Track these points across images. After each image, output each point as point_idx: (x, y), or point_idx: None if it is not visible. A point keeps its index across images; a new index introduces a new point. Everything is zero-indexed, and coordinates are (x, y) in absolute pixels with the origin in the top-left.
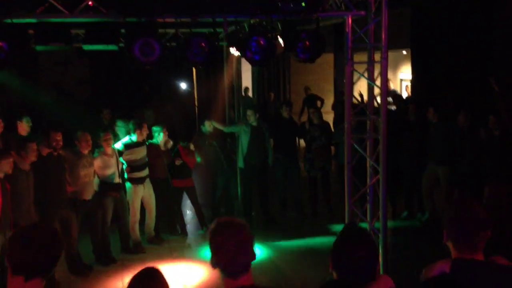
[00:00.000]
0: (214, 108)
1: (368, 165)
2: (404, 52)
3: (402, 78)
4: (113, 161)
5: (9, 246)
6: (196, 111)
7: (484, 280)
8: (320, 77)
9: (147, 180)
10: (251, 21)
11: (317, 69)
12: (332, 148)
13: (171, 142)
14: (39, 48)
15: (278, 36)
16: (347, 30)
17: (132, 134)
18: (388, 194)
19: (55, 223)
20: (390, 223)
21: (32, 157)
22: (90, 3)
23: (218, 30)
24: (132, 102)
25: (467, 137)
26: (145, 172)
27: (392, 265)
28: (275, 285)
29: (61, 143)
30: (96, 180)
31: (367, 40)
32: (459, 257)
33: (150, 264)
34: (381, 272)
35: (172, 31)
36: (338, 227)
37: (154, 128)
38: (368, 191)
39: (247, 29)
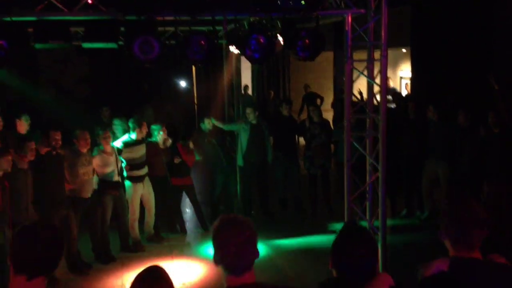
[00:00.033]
0: (213, 106)
1: (367, 163)
2: (404, 50)
3: (402, 76)
4: (112, 159)
5: (12, 245)
6: (196, 109)
7: (483, 278)
8: (319, 75)
9: (146, 178)
10: (251, 19)
11: (316, 67)
12: (332, 146)
13: (170, 141)
14: (38, 46)
15: (278, 34)
16: (346, 28)
17: (131, 132)
18: (387, 192)
19: (54, 222)
20: (389, 221)
21: (30, 156)
22: (89, 1)
23: (218, 28)
24: (132, 100)
25: (467, 135)
26: (144, 170)
27: (392, 263)
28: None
29: (60, 142)
30: (95, 178)
31: (367, 38)
32: (457, 256)
33: (150, 263)
34: (380, 270)
35: (171, 29)
36: (338, 226)
37: (153, 127)
38: (367, 189)
39: (246, 27)
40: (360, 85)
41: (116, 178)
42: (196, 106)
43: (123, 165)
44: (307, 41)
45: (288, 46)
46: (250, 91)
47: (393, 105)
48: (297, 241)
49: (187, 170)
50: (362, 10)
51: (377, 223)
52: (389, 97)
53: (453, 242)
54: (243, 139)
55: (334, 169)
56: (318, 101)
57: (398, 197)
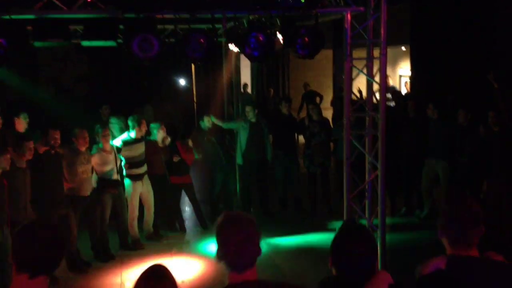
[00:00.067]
0: (213, 104)
1: (366, 161)
2: (403, 48)
3: (401, 74)
4: (111, 157)
5: (14, 244)
6: (195, 107)
7: (480, 276)
8: (319, 73)
9: (146, 176)
10: (250, 17)
11: (316, 65)
12: (331, 144)
13: (169, 139)
14: (37, 44)
15: (277, 32)
16: (346, 26)
17: (131, 130)
18: (387, 191)
19: (54, 221)
20: (388, 220)
21: (28, 156)
22: None
23: (217, 26)
24: (131, 99)
25: (467, 134)
26: (144, 168)
27: (391, 261)
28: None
29: (59, 141)
30: (94, 177)
31: (366, 36)
32: (454, 254)
33: (149, 261)
34: (379, 268)
35: (170, 27)
36: (337, 224)
37: (152, 125)
38: (366, 187)
39: (246, 25)
40: (360, 83)
41: (115, 176)
42: (195, 104)
43: (123, 163)
44: (306, 39)
45: (288, 44)
46: (249, 89)
47: (392, 104)
48: (296, 239)
49: (186, 168)
50: (362, 8)
51: (376, 221)
52: (389, 95)
53: (451, 240)
54: (243, 138)
55: (334, 167)
56: (318, 99)
57: (398, 195)
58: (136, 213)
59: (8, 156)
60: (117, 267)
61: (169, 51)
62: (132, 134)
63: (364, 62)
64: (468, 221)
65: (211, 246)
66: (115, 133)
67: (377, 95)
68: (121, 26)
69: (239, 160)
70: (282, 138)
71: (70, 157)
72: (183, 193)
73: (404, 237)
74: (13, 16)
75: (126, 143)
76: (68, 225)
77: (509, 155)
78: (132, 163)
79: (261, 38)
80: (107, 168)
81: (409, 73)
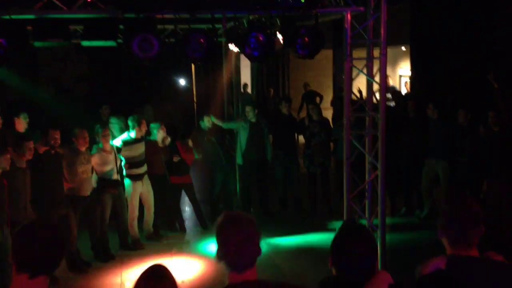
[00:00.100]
0: (213, 104)
1: (366, 161)
2: (403, 48)
3: (401, 74)
4: (111, 157)
5: (14, 244)
6: (195, 108)
7: (480, 276)
8: (319, 73)
9: (146, 176)
10: (250, 17)
11: (316, 65)
12: (331, 144)
13: (169, 139)
14: (37, 44)
15: (277, 32)
16: (346, 26)
17: (131, 130)
18: (387, 191)
19: (54, 221)
20: (388, 220)
21: (28, 156)
22: None
23: (217, 26)
24: (131, 99)
25: (467, 134)
26: (144, 168)
27: (391, 261)
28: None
29: (59, 141)
30: (94, 177)
31: (366, 36)
32: (454, 254)
33: (149, 261)
34: (379, 268)
35: (170, 27)
36: (337, 224)
37: (152, 125)
38: (366, 187)
39: (246, 25)
40: (360, 83)
41: (115, 176)
42: (195, 105)
43: (123, 163)
44: (306, 39)
45: (288, 44)
46: (249, 89)
47: (392, 104)
48: (296, 239)
49: (186, 168)
50: (362, 8)
51: (376, 221)
52: (389, 95)
53: (451, 240)
54: (243, 138)
55: (334, 167)
56: (318, 99)
57: (398, 195)
58: (136, 213)
59: (8, 156)
60: (117, 267)
61: (169, 51)
62: (132, 134)
63: (364, 62)
64: (468, 221)
65: (211, 246)
66: (115, 133)
67: (377, 95)
68: (121, 26)
69: (239, 160)
70: (282, 138)
71: (70, 157)
72: (183, 193)
73: (404, 237)
74: (13, 16)
75: (126, 143)
76: (68, 225)
77: (509, 155)
78: (132, 163)
79: (261, 38)
80: (107, 168)
81: (409, 73)
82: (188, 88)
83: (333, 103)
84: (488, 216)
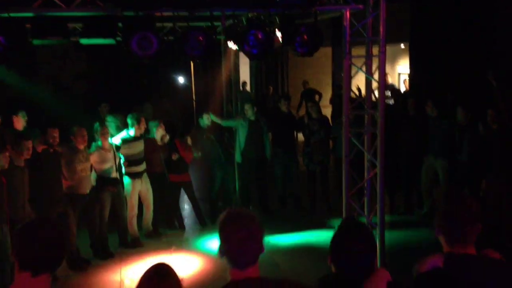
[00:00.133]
0: (211, 102)
1: (365, 159)
2: (402, 46)
3: (400, 72)
4: (110, 155)
5: (16, 242)
6: (194, 105)
7: (477, 274)
8: (318, 70)
9: (145, 174)
10: (249, 15)
11: (315, 62)
12: (331, 142)
13: (168, 137)
14: (36, 42)
15: (276, 30)
16: (345, 23)
17: (130, 128)
18: (386, 189)
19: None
20: (387, 217)
21: (26, 155)
22: None
23: (216, 23)
24: (130, 97)
25: (466, 132)
26: (143, 166)
27: (390, 259)
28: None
29: (57, 139)
30: (93, 175)
31: (365, 34)
32: (452, 252)
33: (148, 258)
34: (378, 266)
35: (169, 25)
36: (336, 222)
37: (151, 123)
38: (365, 185)
39: (245, 23)
40: (359, 81)
41: (114, 174)
42: (194, 102)
43: (121, 161)
44: (305, 36)
45: (287, 42)
46: (248, 87)
47: (391, 101)
48: (295, 237)
49: (185, 166)
50: (360, 6)
51: (375, 219)
52: (388, 93)
53: (448, 238)
54: (241, 135)
55: (333, 165)
56: (317, 97)
57: (397, 193)
58: (135, 211)
59: (7, 154)
60: (116, 265)
61: (168, 49)
62: (131, 132)
63: (363, 60)
64: (464, 219)
65: (210, 243)
66: (112, 131)
67: (376, 93)
68: (120, 24)
69: (237, 158)
70: (281, 136)
71: (69, 155)
72: (182, 191)
73: (403, 235)
74: (12, 14)
75: (125, 141)
76: (66, 223)
77: (508, 154)
78: (131, 161)
79: (260, 36)
80: (106, 166)
81: (408, 71)
82: (187, 86)
83: (332, 101)
84: (488, 214)
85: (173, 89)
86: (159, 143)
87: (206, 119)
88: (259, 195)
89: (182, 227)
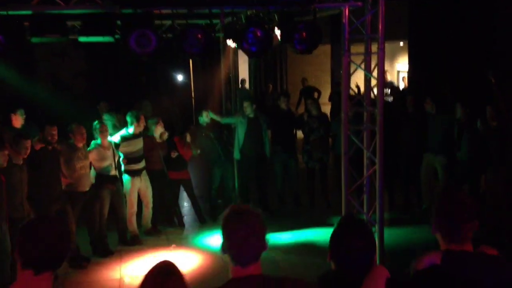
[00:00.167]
0: (210, 99)
1: (365, 156)
2: (401, 44)
3: (399, 69)
4: (109, 153)
5: (19, 240)
6: (193, 103)
7: (475, 271)
8: (317, 68)
9: (144, 172)
10: (248, 12)
11: (314, 60)
12: (330, 139)
13: (167, 134)
14: (35, 40)
15: (275, 27)
16: (344, 21)
17: (129, 126)
18: (385, 186)
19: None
20: (386, 214)
21: (24, 154)
22: None
23: (215, 21)
24: (129, 94)
25: (465, 128)
26: (142, 164)
27: (388, 255)
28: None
29: (56, 137)
30: (92, 173)
31: (364, 31)
32: (449, 249)
33: (147, 256)
34: (377, 262)
35: (168, 22)
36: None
37: (150, 121)
38: (364, 182)
39: (244, 21)
40: (358, 78)
41: (113, 172)
42: (193, 100)
43: (121, 159)
44: (304, 34)
45: (285, 39)
46: (247, 85)
47: (390, 99)
48: (295, 234)
49: (184, 164)
50: (359, 3)
51: (375, 216)
52: (387, 90)
53: (444, 235)
54: (240, 133)
55: (332, 162)
56: (316, 94)
57: (396, 190)
58: (135, 208)
59: (6, 152)
60: (116, 262)
61: (166, 46)
62: (131, 129)
63: (362, 57)
64: (461, 216)
65: (210, 240)
66: (108, 129)
67: (375, 90)
68: (119, 22)
69: (236, 155)
70: (281, 134)
71: (68, 153)
72: (182, 189)
73: (402, 231)
74: (10, 12)
75: (124, 138)
76: (65, 221)
77: (507, 150)
78: (130, 158)
79: (259, 34)
80: (105, 163)
81: (407, 68)
82: (186, 84)
83: (331, 98)
84: (487, 211)
85: (172, 86)
86: (158, 140)
87: (205, 117)
88: (258, 192)
89: (181, 224)
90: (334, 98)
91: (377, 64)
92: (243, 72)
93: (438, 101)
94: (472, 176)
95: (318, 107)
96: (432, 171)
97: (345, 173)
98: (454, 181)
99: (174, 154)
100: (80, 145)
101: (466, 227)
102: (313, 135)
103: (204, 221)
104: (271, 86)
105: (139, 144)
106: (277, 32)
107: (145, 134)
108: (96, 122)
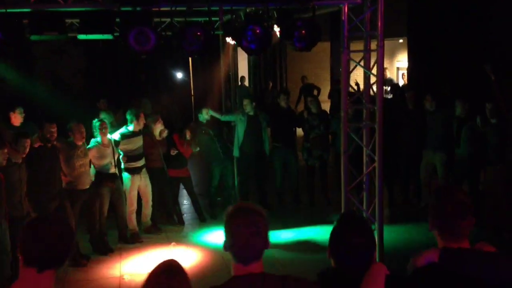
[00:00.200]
0: (210, 97)
1: (364, 153)
2: (401, 41)
3: (399, 66)
4: (109, 151)
5: (21, 238)
6: (193, 101)
7: (473, 268)
8: (316, 65)
9: (144, 170)
10: (247, 10)
11: (313, 57)
12: (330, 137)
13: (166, 132)
14: (33, 38)
15: (274, 25)
16: (343, 18)
17: (129, 124)
18: (385, 183)
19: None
20: (386, 212)
21: (22, 153)
22: None
23: (214, 19)
24: (128, 92)
25: (464, 125)
26: (142, 162)
27: (388, 252)
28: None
29: (55, 134)
30: (92, 170)
31: (363, 28)
32: (446, 246)
33: (147, 254)
34: (377, 259)
35: (167, 20)
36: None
37: (149, 118)
38: (364, 179)
39: (243, 18)
40: (357, 76)
41: (113, 170)
42: (193, 98)
43: (120, 157)
44: (303, 31)
45: (285, 37)
46: (246, 82)
47: (389, 96)
48: (294, 232)
49: (184, 161)
50: (359, 0)
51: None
52: (387, 87)
53: (441, 233)
54: (240, 130)
55: (332, 160)
56: (315, 92)
57: (396, 187)
58: (135, 206)
59: (6, 151)
60: (116, 260)
61: (166, 44)
62: (130, 127)
63: (362, 54)
64: (457, 213)
65: (209, 238)
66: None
67: (375, 88)
68: (118, 19)
69: (236, 153)
70: (281, 131)
71: (67, 151)
72: (181, 186)
73: (402, 229)
74: (9, 10)
75: (124, 136)
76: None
77: (506, 146)
78: (130, 156)
79: (258, 31)
80: (105, 161)
81: (407, 65)
82: (186, 81)
83: (330, 96)
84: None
85: (171, 84)
86: (158, 138)
87: (205, 114)
88: (258, 190)
89: (181, 222)
90: (334, 95)
91: (376, 61)
92: (243, 69)
93: (438, 98)
94: (471, 172)
95: (318, 104)
96: (431, 168)
97: (344, 170)
98: (454, 178)
99: (173, 152)
100: (80, 143)
101: (462, 224)
102: (313, 132)
103: (204, 218)
104: (270, 83)
105: (139, 142)
106: (276, 29)
107: (145, 132)
108: (96, 120)
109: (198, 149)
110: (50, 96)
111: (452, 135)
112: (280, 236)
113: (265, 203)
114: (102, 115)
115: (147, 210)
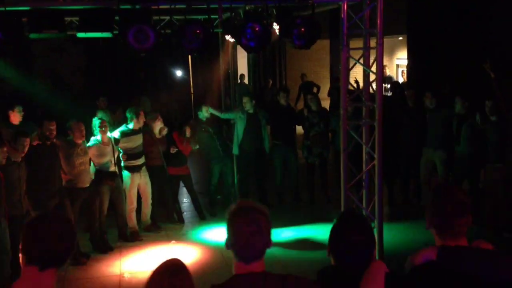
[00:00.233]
0: (209, 95)
1: (364, 151)
2: (400, 38)
3: (398, 64)
4: (108, 149)
5: (23, 237)
6: (192, 99)
7: (471, 266)
8: (316, 63)
9: (144, 168)
10: (246, 8)
11: (313, 55)
12: (330, 134)
13: (166, 130)
14: (33, 36)
15: (274, 23)
16: (342, 16)
17: (129, 122)
18: (384, 181)
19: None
20: (386, 209)
21: (21, 152)
22: None
23: (213, 16)
24: (128, 90)
25: (464, 122)
26: (142, 160)
27: (387, 250)
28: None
29: (54, 132)
30: (92, 169)
31: (363, 26)
32: (444, 245)
33: (147, 252)
34: (376, 257)
35: (166, 18)
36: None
37: (149, 117)
38: (364, 177)
39: (242, 16)
40: (357, 74)
41: (112, 168)
42: (192, 96)
43: (120, 155)
44: (302, 29)
45: (284, 34)
46: (246, 80)
47: (389, 93)
48: (294, 230)
49: (184, 159)
50: None
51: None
52: (387, 85)
53: (438, 231)
54: (240, 128)
55: (332, 157)
56: (315, 89)
57: (396, 185)
58: (134, 204)
59: (5, 149)
60: (115, 258)
61: (165, 42)
62: (130, 125)
63: (361, 52)
64: (454, 211)
65: (209, 236)
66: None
67: (374, 85)
68: (117, 17)
69: (235, 150)
70: (280, 129)
71: (67, 149)
72: (181, 184)
73: (401, 227)
74: (8, 8)
75: (124, 134)
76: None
77: (506, 144)
78: (130, 154)
79: (257, 29)
80: (104, 160)
81: (406, 63)
82: (185, 79)
83: (330, 94)
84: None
85: (171, 82)
86: (158, 136)
87: (205, 111)
88: (258, 188)
89: (181, 220)
90: (333, 93)
91: (376, 59)
92: (242, 67)
93: (438, 95)
94: (471, 171)
95: (318, 102)
96: (431, 166)
97: (344, 168)
98: (454, 176)
99: (173, 150)
100: (79, 141)
101: (460, 222)
102: (313, 130)
103: (204, 217)
104: (270, 81)
105: (138, 140)
106: (276, 27)
107: (144, 130)
108: (95, 118)
109: (197, 146)
110: (50, 95)
111: (452, 134)
112: (280, 234)
113: (265, 201)
114: (99, 114)
115: (147, 208)
